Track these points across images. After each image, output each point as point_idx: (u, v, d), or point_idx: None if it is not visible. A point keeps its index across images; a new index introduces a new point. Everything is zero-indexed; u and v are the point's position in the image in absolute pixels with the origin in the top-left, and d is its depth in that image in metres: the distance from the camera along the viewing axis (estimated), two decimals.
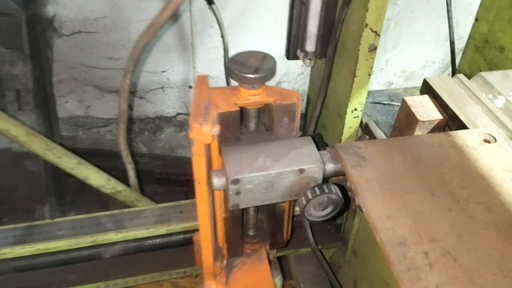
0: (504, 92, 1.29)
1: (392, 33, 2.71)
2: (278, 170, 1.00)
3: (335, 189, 1.03)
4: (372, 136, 1.46)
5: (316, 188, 1.02)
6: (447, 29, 2.78)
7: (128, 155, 1.85)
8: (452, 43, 1.81)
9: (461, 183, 0.99)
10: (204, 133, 0.94)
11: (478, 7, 1.69)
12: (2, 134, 1.72)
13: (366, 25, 1.25)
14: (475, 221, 0.91)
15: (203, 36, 2.43)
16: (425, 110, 1.26)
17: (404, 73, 2.99)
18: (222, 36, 2.22)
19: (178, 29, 2.39)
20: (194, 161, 0.98)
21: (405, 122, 1.30)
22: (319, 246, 1.62)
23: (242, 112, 1.08)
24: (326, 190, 1.02)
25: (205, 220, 1.10)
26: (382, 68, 2.90)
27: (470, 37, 1.77)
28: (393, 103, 1.76)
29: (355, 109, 1.46)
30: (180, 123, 2.82)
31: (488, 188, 0.98)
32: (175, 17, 2.34)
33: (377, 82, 2.95)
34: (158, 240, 1.48)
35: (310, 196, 1.02)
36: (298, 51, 1.56)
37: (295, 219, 1.52)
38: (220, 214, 1.18)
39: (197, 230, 1.25)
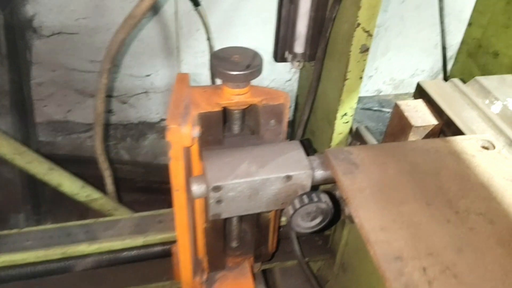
0: (501, 98, 1.24)
1: (382, 40, 2.69)
2: (264, 177, 0.95)
3: (324, 197, 0.98)
4: (363, 142, 1.40)
5: (304, 197, 0.97)
6: (436, 38, 2.78)
7: (105, 161, 1.76)
8: (444, 48, 1.77)
9: (460, 192, 0.92)
10: (183, 134, 0.87)
11: (472, 12, 1.65)
12: None
13: (358, 24, 1.19)
14: (476, 233, 0.85)
15: (189, 39, 2.38)
16: (419, 115, 1.21)
17: (393, 81, 2.97)
18: (209, 40, 2.17)
19: (163, 31, 2.34)
20: (172, 166, 0.91)
21: (398, 127, 1.24)
22: (306, 259, 1.60)
23: (226, 113, 1.03)
24: (315, 199, 0.96)
25: (183, 231, 1.03)
26: (371, 76, 2.87)
27: (462, 42, 1.73)
28: (383, 109, 1.72)
29: (346, 114, 1.40)
30: (164, 130, 2.74)
31: (489, 198, 0.91)
32: (160, 19, 2.28)
33: (365, 90, 2.93)
34: (134, 252, 1.42)
35: (297, 205, 0.96)
36: (287, 53, 1.50)
37: (281, 229, 1.48)
38: (201, 224, 1.12)
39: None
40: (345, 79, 1.30)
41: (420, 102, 1.27)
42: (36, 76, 2.42)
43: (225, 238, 1.24)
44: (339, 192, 1.03)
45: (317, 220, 1.01)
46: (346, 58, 1.26)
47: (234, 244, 1.31)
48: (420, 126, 1.18)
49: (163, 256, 1.44)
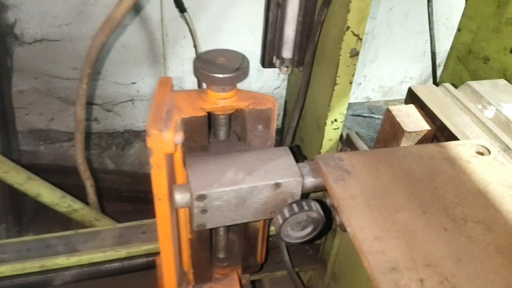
0: (494, 102, 1.21)
1: (370, 47, 2.68)
2: (251, 185, 0.90)
3: (315, 206, 0.93)
4: (354, 148, 1.37)
5: (294, 205, 0.92)
6: (425, 45, 2.77)
7: (87, 170, 1.70)
8: (433, 54, 1.75)
9: (456, 199, 0.89)
10: (165, 140, 0.82)
11: (461, 17, 1.64)
12: None
13: (348, 27, 1.16)
14: (474, 242, 0.81)
15: (176, 46, 2.35)
16: (412, 120, 1.17)
17: (382, 88, 2.96)
18: (195, 47, 2.13)
19: (149, 38, 2.30)
20: (153, 174, 0.86)
21: (390, 133, 1.20)
22: (296, 269, 1.57)
23: (211, 118, 0.98)
24: (306, 208, 0.91)
25: (167, 242, 0.97)
26: (360, 83, 2.86)
27: (452, 48, 1.71)
28: (373, 115, 1.69)
29: (335, 120, 1.36)
30: None
31: (486, 205, 0.88)
32: (145, 26, 2.23)
33: (354, 98, 2.91)
34: (117, 264, 1.37)
35: (287, 214, 0.91)
36: (274, 58, 1.47)
37: (270, 239, 1.44)
38: (185, 234, 1.07)
39: None
40: (334, 84, 1.27)
41: (412, 107, 1.24)
42: (18, 84, 2.35)
43: (211, 249, 1.20)
44: (330, 200, 0.98)
45: (308, 230, 0.97)
46: (336, 63, 1.23)
47: (221, 255, 1.26)
48: (413, 132, 1.15)
49: (147, 268, 1.39)
